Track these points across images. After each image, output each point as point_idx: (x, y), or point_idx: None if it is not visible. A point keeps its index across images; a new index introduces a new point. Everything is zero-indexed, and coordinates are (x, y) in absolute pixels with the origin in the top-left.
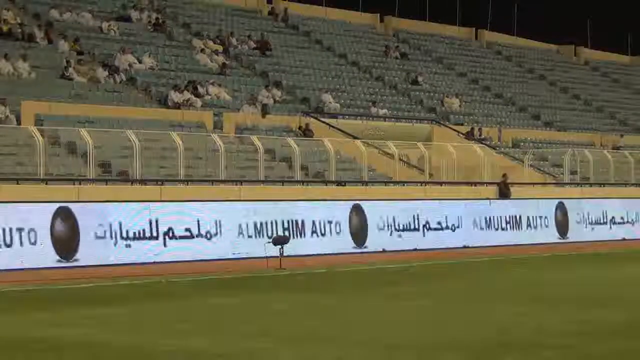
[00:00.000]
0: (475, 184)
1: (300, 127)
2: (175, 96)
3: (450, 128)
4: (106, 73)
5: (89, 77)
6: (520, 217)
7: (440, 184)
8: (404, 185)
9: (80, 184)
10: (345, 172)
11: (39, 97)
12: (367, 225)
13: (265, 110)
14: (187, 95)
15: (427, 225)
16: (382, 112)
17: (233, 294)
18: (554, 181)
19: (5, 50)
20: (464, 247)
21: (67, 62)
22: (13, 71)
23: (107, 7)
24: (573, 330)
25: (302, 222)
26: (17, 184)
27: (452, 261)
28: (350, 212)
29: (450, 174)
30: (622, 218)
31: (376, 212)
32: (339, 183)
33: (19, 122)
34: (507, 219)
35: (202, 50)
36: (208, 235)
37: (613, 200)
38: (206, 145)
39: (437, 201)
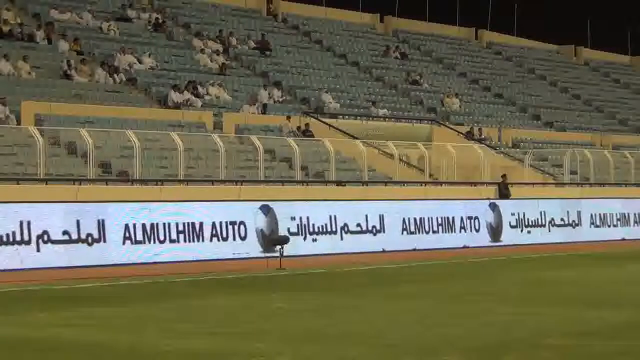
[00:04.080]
0: (475, 184)
1: (299, 127)
2: (175, 96)
3: (450, 128)
4: (106, 73)
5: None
6: (519, 217)
7: (440, 184)
8: (403, 185)
9: (80, 184)
10: (345, 172)
11: (39, 97)
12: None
13: (264, 110)
14: (187, 95)
15: (426, 225)
16: (382, 112)
17: (233, 293)
18: (554, 181)
19: (5, 50)
20: (464, 247)
21: (67, 62)
22: (13, 71)
23: (107, 7)
24: (573, 330)
25: (302, 222)
26: (17, 184)
27: (452, 261)
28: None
29: (450, 174)
30: (619, 218)
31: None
32: (339, 183)
33: (19, 122)
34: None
35: (202, 50)
36: (208, 235)
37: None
38: (206, 145)
39: (437, 201)
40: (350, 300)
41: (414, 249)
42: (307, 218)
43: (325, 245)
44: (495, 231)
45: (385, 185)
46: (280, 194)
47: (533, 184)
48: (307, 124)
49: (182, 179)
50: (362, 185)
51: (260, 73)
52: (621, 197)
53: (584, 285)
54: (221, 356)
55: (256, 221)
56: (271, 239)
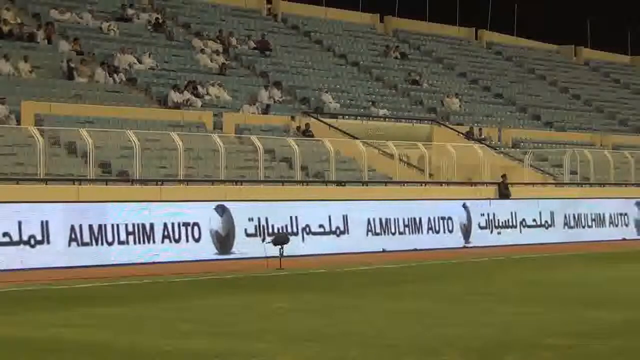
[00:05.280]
0: (475, 184)
1: (298, 128)
2: (175, 96)
3: (450, 128)
4: (106, 73)
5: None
6: (520, 217)
7: (440, 184)
8: (403, 185)
9: (80, 184)
10: (345, 172)
11: (39, 97)
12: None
13: (266, 110)
14: (187, 95)
15: (426, 225)
16: (382, 112)
17: (233, 293)
18: (554, 181)
19: (5, 50)
20: (463, 247)
21: (68, 62)
22: (13, 71)
23: (107, 7)
24: (573, 330)
25: (302, 222)
26: (17, 184)
27: (452, 261)
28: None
29: (450, 174)
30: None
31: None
32: (339, 183)
33: (19, 122)
34: (507, 219)
35: (202, 50)
36: (208, 236)
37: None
38: (206, 145)
39: (437, 201)
40: (350, 300)
41: (414, 249)
42: (266, 219)
43: (285, 247)
44: (466, 232)
45: (385, 185)
46: (280, 193)
47: (533, 184)
48: (307, 124)
49: (182, 179)
50: (362, 185)
51: (260, 73)
52: (621, 197)
53: (583, 285)
54: (221, 356)
55: (210, 222)
56: (273, 239)
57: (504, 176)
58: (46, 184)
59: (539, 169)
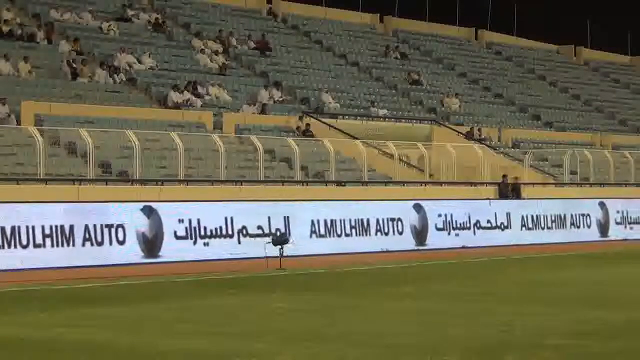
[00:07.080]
0: (475, 184)
1: (298, 128)
2: (175, 96)
3: (450, 128)
4: (106, 73)
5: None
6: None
7: (440, 184)
8: (403, 185)
9: (80, 184)
10: (345, 172)
11: (39, 97)
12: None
13: (264, 110)
14: (187, 95)
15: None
16: (382, 112)
17: (233, 294)
18: (554, 181)
19: (5, 50)
20: (463, 247)
21: (68, 62)
22: (13, 71)
23: (107, 7)
24: (573, 330)
25: (302, 222)
26: (17, 184)
27: (452, 261)
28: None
29: (450, 174)
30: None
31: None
32: (339, 183)
33: (18, 122)
34: (507, 219)
35: (202, 51)
36: (208, 236)
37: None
38: (206, 145)
39: (437, 201)
40: (350, 300)
41: (414, 249)
42: (198, 220)
43: (218, 250)
44: (419, 234)
45: (385, 185)
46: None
47: (533, 184)
48: (307, 124)
49: (182, 179)
50: (362, 185)
51: (260, 73)
52: (621, 197)
53: (583, 285)
54: (221, 356)
55: (136, 224)
56: (273, 239)
57: (505, 176)
58: (46, 184)
59: (539, 169)
